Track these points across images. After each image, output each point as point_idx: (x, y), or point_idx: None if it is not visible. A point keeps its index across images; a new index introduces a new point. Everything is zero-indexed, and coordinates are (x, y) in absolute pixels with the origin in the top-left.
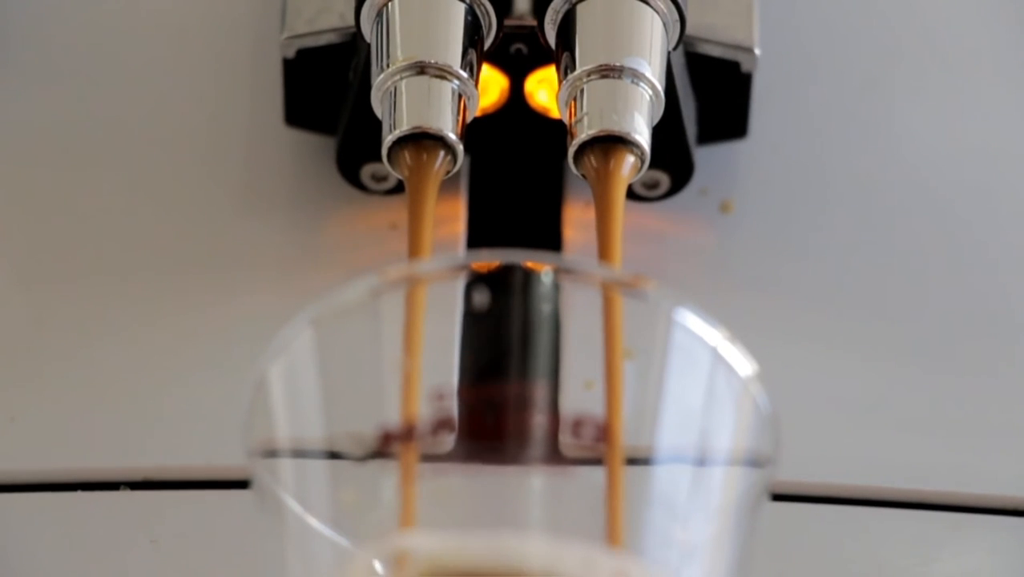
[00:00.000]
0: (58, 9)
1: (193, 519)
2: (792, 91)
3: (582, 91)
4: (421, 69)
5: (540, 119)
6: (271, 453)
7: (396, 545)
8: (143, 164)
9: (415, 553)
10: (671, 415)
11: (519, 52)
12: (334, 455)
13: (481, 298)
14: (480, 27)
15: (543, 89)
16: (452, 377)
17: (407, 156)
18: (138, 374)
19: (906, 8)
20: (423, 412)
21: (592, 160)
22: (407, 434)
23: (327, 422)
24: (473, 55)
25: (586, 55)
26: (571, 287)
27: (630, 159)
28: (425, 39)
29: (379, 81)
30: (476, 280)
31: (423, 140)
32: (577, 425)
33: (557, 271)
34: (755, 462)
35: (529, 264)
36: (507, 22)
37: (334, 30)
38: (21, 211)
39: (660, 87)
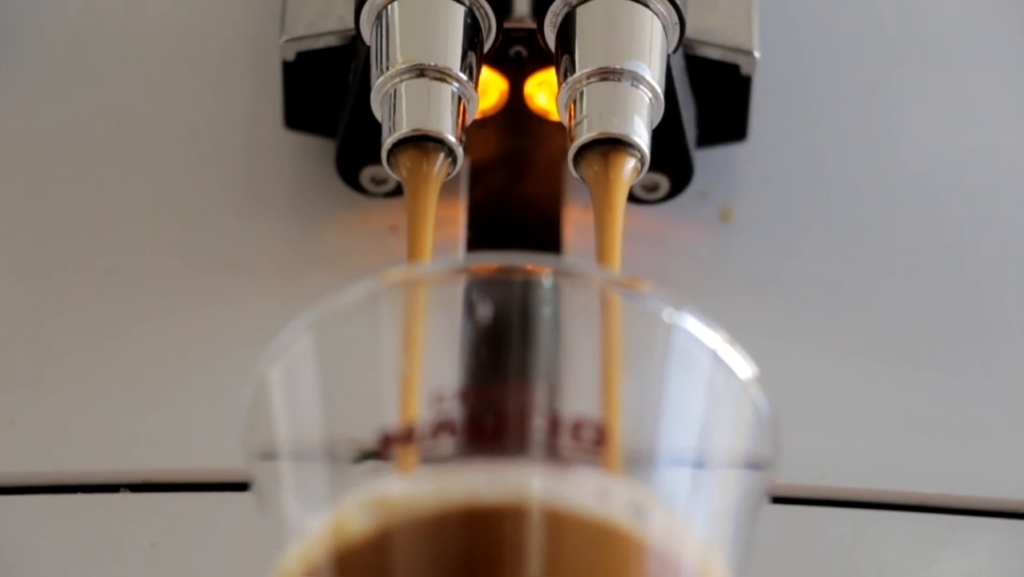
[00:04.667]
0: (58, 11)
1: (193, 521)
2: (791, 94)
3: (582, 94)
4: (421, 72)
5: (540, 121)
6: (271, 455)
7: (375, 490)
8: (143, 166)
9: (393, 497)
10: (670, 417)
11: (519, 54)
12: (334, 458)
13: (484, 311)
14: (480, 30)
15: (543, 91)
16: (452, 380)
17: (407, 159)
18: (138, 377)
19: (905, 11)
20: (423, 415)
21: (592, 163)
22: (407, 437)
23: (327, 425)
24: (473, 57)
25: (586, 58)
26: (571, 290)
27: (630, 162)
28: (425, 42)
29: (379, 84)
30: (476, 283)
31: (423, 142)
32: (577, 428)
33: (557, 274)
34: (755, 464)
35: (529, 267)
36: (507, 24)
37: (334, 33)
38: (21, 212)
39: (660, 90)
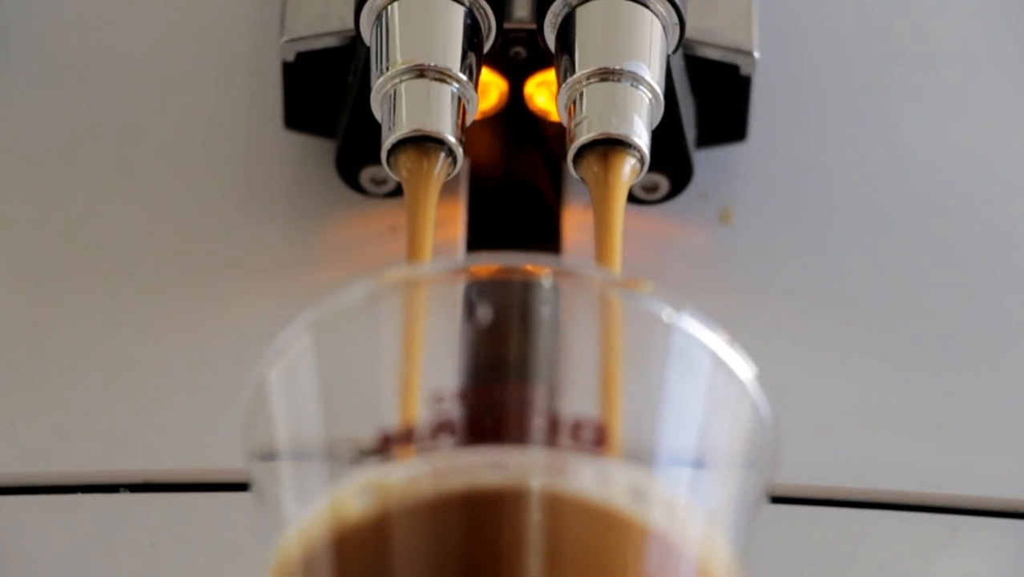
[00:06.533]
0: (58, 11)
1: (192, 522)
2: (791, 94)
3: (582, 94)
4: (420, 72)
5: (539, 122)
6: (270, 456)
7: (374, 474)
8: (143, 167)
9: (392, 481)
10: (670, 418)
11: (518, 55)
12: (333, 458)
13: (483, 311)
14: (479, 30)
15: (543, 92)
16: (452, 380)
17: (407, 159)
18: (137, 377)
19: (905, 11)
20: (422, 415)
21: (591, 163)
22: (406, 437)
23: (326, 425)
24: (472, 58)
25: (586, 58)
26: (570, 290)
27: (629, 162)
28: (424, 42)
29: (379, 84)
30: (475, 283)
31: (423, 143)
32: (576, 428)
33: (556, 274)
34: (754, 465)
35: (528, 267)
36: (506, 25)
37: (333, 33)
38: (21, 212)
39: (659, 90)
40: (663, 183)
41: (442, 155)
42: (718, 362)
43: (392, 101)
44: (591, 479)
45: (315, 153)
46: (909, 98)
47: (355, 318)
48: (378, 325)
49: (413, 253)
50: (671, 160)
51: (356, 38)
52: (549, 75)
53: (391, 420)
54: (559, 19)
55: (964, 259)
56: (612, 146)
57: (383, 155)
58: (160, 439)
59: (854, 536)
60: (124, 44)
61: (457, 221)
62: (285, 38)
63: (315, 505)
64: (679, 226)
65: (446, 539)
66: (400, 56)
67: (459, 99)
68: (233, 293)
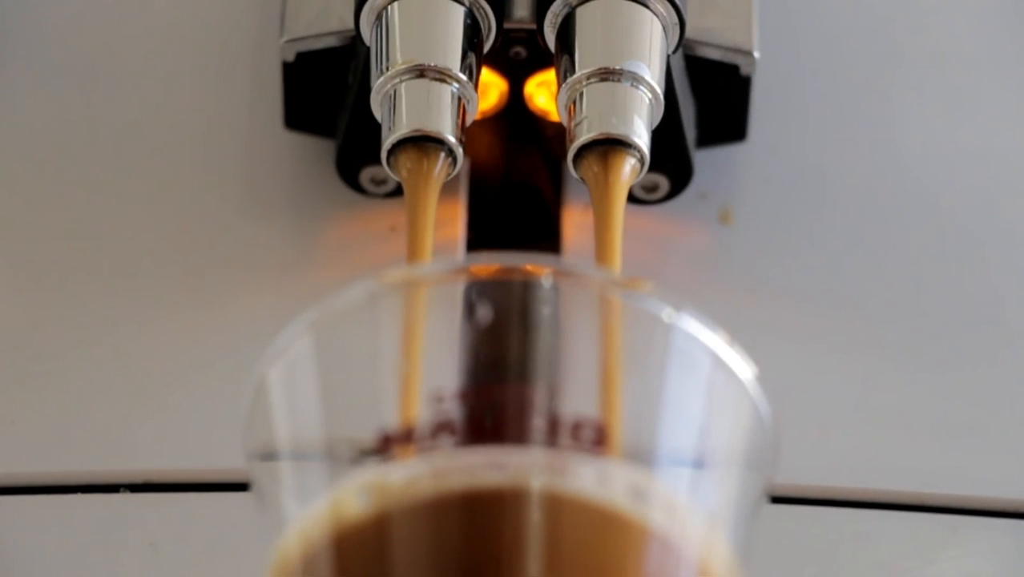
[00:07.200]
0: (58, 11)
1: (192, 522)
2: (791, 94)
3: (582, 94)
4: (421, 72)
5: (539, 122)
6: (270, 456)
7: (374, 474)
8: (143, 167)
9: (391, 481)
10: (670, 418)
11: (518, 55)
12: (333, 458)
13: (483, 311)
14: (479, 30)
15: (543, 92)
16: (452, 380)
17: (407, 159)
18: (137, 377)
19: (905, 11)
20: (422, 415)
21: (591, 163)
22: (406, 437)
23: (326, 425)
24: (473, 58)
25: (585, 58)
26: (570, 290)
27: (629, 162)
28: (424, 42)
29: (379, 84)
30: (475, 283)
31: (423, 143)
32: (576, 428)
33: (556, 274)
34: (754, 465)
35: (528, 267)
36: (506, 25)
37: (334, 33)
38: (21, 212)
39: (659, 90)
40: (663, 183)
41: (442, 155)
42: (718, 362)
43: (392, 101)
44: (591, 479)
45: (315, 153)
46: (909, 98)
47: (355, 318)
48: (378, 325)
49: (413, 253)
50: (671, 160)
51: (356, 38)
52: (549, 75)
53: (391, 420)
54: (559, 19)
55: (964, 259)
56: (612, 146)
57: (383, 155)
58: (160, 439)
59: (854, 536)
60: (124, 44)
61: (457, 221)
62: (285, 38)
63: (315, 505)
64: (679, 226)
65: (446, 539)
66: (400, 56)
67: (459, 99)
68: (233, 293)
